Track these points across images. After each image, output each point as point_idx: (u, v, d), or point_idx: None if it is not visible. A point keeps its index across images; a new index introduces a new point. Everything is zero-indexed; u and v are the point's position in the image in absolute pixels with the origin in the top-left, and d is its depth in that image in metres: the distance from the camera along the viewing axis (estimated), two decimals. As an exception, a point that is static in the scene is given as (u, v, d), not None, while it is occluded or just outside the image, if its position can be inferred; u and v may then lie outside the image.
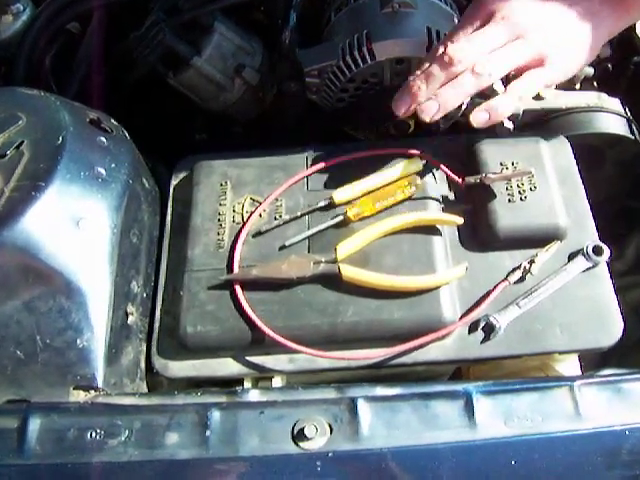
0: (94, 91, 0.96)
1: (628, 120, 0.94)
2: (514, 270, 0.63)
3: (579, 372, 0.68)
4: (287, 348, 0.59)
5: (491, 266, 0.64)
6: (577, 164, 0.76)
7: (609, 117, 0.90)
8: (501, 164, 0.68)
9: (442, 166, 0.68)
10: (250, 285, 0.62)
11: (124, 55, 0.96)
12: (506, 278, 0.62)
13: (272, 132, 1.00)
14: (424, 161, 0.67)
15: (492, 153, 0.69)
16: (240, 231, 0.65)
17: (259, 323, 0.59)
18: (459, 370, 0.73)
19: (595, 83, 0.97)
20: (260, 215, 0.66)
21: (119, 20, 1.01)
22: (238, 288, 0.62)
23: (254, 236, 0.66)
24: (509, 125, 0.88)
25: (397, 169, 0.67)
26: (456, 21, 0.84)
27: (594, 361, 0.85)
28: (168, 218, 0.71)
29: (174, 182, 0.74)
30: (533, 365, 0.67)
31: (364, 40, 0.81)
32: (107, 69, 0.98)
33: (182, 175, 0.74)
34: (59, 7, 1.01)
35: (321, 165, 0.70)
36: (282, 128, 1.00)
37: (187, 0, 0.91)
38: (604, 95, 0.93)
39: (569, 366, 0.68)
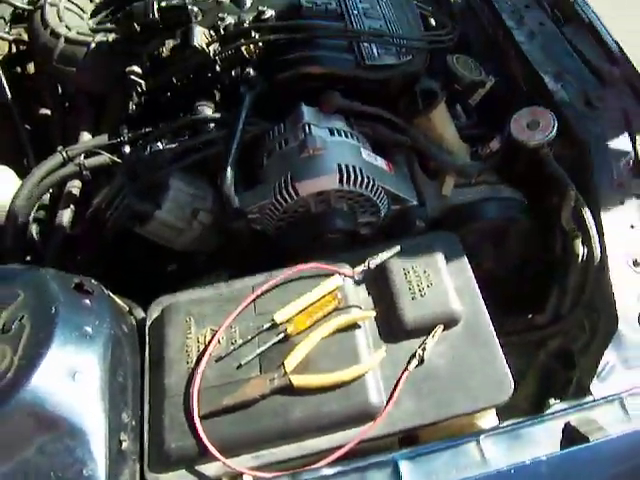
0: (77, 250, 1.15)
1: (519, 201, 1.13)
2: (412, 358, 0.79)
3: (497, 423, 0.82)
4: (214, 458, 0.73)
5: (405, 351, 0.80)
6: (481, 246, 0.94)
7: (500, 204, 1.10)
8: (403, 269, 0.86)
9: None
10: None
11: (96, 215, 1.15)
12: (406, 367, 0.78)
13: (230, 257, 1.18)
14: (342, 276, 0.85)
15: (394, 262, 0.87)
16: (200, 359, 0.81)
17: (203, 436, 0.74)
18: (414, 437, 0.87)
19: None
20: (219, 342, 0.82)
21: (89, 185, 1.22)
22: (195, 411, 0.76)
23: (217, 361, 0.81)
24: (421, 224, 1.08)
25: (322, 287, 0.84)
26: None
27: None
28: (147, 355, 0.86)
29: (148, 323, 0.90)
30: (462, 423, 0.82)
31: (289, 181, 1.00)
32: (84, 227, 1.17)
33: (154, 316, 0.90)
34: (39, 179, 1.21)
35: (264, 291, 0.87)
36: (238, 253, 1.18)
37: (144, 166, 1.11)
38: (498, 186, 1.13)
39: (489, 420, 0.82)
